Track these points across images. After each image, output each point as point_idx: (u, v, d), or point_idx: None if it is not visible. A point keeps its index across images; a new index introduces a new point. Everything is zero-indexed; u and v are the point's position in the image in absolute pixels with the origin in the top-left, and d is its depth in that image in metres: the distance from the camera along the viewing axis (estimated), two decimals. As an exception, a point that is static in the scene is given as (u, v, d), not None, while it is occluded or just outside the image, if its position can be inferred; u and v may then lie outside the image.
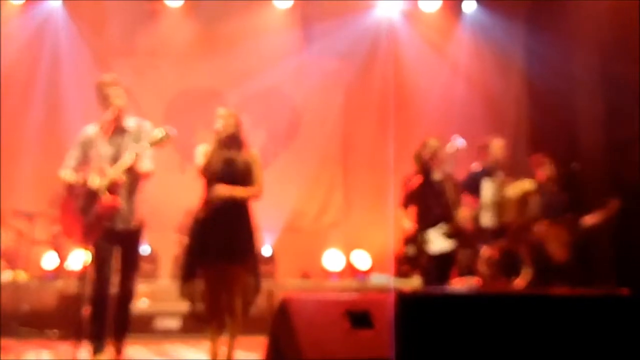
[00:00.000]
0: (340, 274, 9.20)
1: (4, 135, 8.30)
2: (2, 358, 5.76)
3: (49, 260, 8.05)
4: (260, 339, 4.55)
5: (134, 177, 5.01)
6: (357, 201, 9.64)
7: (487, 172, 6.73)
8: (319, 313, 4.13)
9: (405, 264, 7.11)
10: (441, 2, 9.67)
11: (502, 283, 6.49)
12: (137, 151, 4.90)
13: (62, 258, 7.99)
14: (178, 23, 9.32)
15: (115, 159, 4.95)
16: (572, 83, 8.37)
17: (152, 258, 8.39)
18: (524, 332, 3.04)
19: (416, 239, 5.98)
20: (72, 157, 5.09)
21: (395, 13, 9.70)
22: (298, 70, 9.49)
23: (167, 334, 7.15)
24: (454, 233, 5.99)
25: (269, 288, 7.31)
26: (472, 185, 6.69)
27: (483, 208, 6.65)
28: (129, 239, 5.10)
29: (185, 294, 5.16)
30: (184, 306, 5.35)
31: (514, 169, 6.94)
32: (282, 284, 8.27)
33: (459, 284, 6.58)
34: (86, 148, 5.06)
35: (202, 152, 5.17)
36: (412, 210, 6.16)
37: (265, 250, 8.65)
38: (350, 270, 9.26)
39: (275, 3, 9.45)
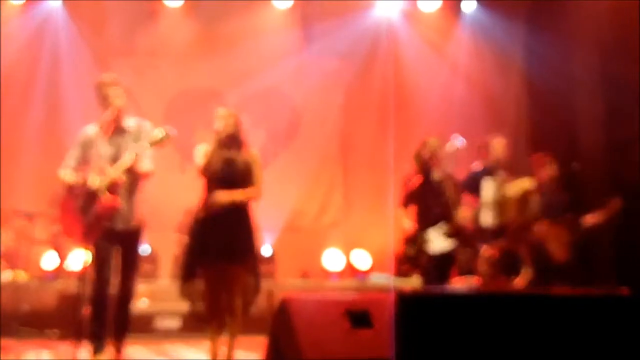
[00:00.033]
0: (340, 274, 9.20)
1: (4, 135, 8.30)
2: (2, 358, 5.76)
3: (49, 260, 8.04)
4: (260, 339, 4.56)
5: (134, 177, 5.01)
6: (357, 201, 9.64)
7: (488, 172, 6.73)
8: (319, 313, 4.14)
9: (405, 264, 7.10)
10: (441, 2, 9.67)
11: (502, 282, 6.49)
12: (137, 151, 4.90)
13: (62, 258, 7.99)
14: (178, 23, 9.32)
15: (115, 159, 4.95)
16: (572, 83, 8.37)
17: (152, 258, 8.39)
18: (524, 331, 3.04)
19: (416, 239, 5.99)
20: (72, 157, 5.09)
21: (394, 13, 9.70)
22: (298, 70, 9.49)
23: (167, 334, 7.15)
24: (454, 233, 5.99)
25: (269, 288, 7.30)
26: (472, 185, 6.69)
27: (483, 207, 6.65)
28: (129, 239, 5.10)
29: (185, 293, 5.16)
30: (184, 306, 5.35)
31: (513, 168, 6.93)
32: (282, 283, 8.27)
33: (459, 284, 6.58)
34: (86, 148, 5.06)
35: (202, 152, 5.17)
36: (412, 209, 6.16)
37: (265, 250, 8.64)
38: (350, 270, 9.26)
39: (274, 3, 9.45)
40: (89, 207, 4.86)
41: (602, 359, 3.07)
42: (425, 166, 6.06)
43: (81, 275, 4.90)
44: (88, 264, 4.92)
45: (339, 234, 9.49)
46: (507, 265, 6.56)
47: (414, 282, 7.24)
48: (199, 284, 5.11)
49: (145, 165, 5.03)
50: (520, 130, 9.05)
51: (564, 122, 8.44)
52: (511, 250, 6.60)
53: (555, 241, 6.72)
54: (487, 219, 6.70)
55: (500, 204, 6.65)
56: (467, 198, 6.62)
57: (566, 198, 6.87)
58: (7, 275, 7.47)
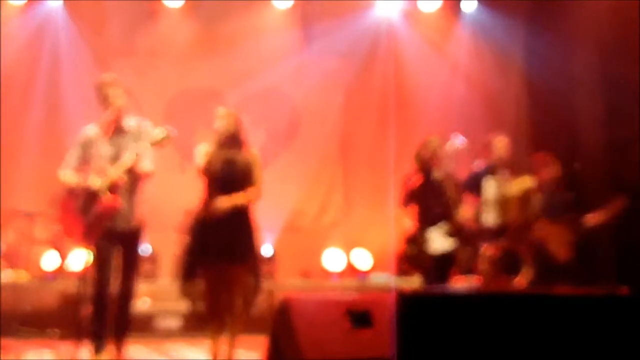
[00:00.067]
0: (341, 274, 9.20)
1: (4, 135, 8.31)
2: (3, 358, 5.76)
3: (50, 260, 8.04)
4: (260, 339, 4.56)
5: (134, 177, 5.01)
6: (358, 200, 9.64)
7: (490, 171, 6.73)
8: (320, 313, 4.14)
9: (406, 263, 7.11)
10: (441, 2, 9.67)
11: (503, 282, 6.49)
12: (137, 151, 4.90)
13: (63, 258, 7.99)
14: (178, 23, 9.32)
15: (115, 159, 4.96)
16: (572, 82, 8.37)
17: (152, 258, 8.39)
18: (524, 331, 3.04)
19: (417, 238, 5.98)
20: (72, 157, 5.10)
21: (395, 13, 9.70)
22: (298, 70, 9.49)
23: (167, 334, 7.16)
24: (455, 232, 5.99)
25: (269, 288, 7.30)
26: (474, 184, 6.69)
27: (485, 206, 6.65)
28: (130, 239, 5.11)
29: (186, 293, 5.17)
30: (184, 306, 5.37)
31: (513, 168, 6.93)
32: (283, 283, 8.27)
33: (460, 283, 6.58)
34: (86, 148, 5.07)
35: (202, 151, 5.18)
36: (413, 209, 6.16)
37: (266, 250, 8.64)
38: (350, 269, 9.26)
39: (274, 3, 9.45)
40: (89, 207, 4.86)
41: (602, 359, 3.08)
42: (425, 166, 6.05)
43: (82, 275, 4.91)
44: (89, 264, 4.93)
45: (339, 234, 9.49)
46: (508, 264, 6.56)
47: (414, 282, 7.25)
48: (200, 284, 5.11)
49: (146, 165, 5.04)
50: (520, 129, 9.05)
51: (564, 122, 8.44)
52: (512, 249, 6.60)
53: (556, 241, 6.72)
54: (488, 218, 6.70)
55: (502, 203, 6.64)
56: (468, 197, 6.62)
57: (568, 198, 6.86)
58: (8, 275, 7.47)
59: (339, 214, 9.68)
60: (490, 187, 6.66)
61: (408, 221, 6.09)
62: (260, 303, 5.57)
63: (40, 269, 7.98)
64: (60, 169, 5.11)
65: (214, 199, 5.06)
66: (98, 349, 4.96)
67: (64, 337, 6.53)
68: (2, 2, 8.71)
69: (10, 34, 8.72)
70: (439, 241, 5.95)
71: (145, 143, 4.93)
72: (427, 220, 5.98)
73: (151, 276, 8.20)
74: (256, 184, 5.18)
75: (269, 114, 9.32)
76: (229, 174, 5.11)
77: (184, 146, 6.51)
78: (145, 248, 7.77)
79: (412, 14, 9.75)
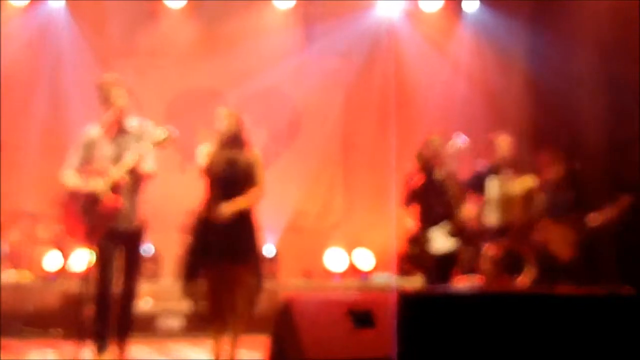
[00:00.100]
0: (343, 274, 9.20)
1: (6, 135, 8.32)
2: (6, 358, 5.77)
3: (52, 260, 8.05)
4: (262, 339, 4.56)
5: (136, 177, 5.02)
6: (359, 200, 9.63)
7: (493, 170, 6.73)
8: (322, 313, 4.14)
9: (408, 263, 7.11)
10: (442, 1, 9.67)
11: (505, 282, 6.49)
12: (139, 151, 4.91)
13: (65, 258, 8.00)
14: (179, 23, 9.32)
15: (117, 160, 4.96)
16: (574, 82, 8.36)
17: (154, 258, 8.39)
18: (527, 331, 3.04)
19: (419, 238, 5.98)
20: (74, 157, 5.10)
21: (396, 13, 9.69)
22: (299, 70, 9.49)
23: (169, 334, 7.16)
24: (457, 232, 5.98)
25: (271, 288, 7.30)
26: (477, 183, 6.69)
27: (487, 206, 6.65)
28: (132, 239, 5.12)
29: (188, 293, 5.17)
30: (186, 306, 5.37)
31: (516, 167, 6.93)
32: (285, 283, 8.28)
33: (462, 283, 6.58)
34: (88, 148, 5.07)
35: (204, 152, 5.18)
36: (414, 209, 6.16)
37: (268, 250, 8.65)
38: (352, 269, 9.26)
39: (275, 3, 9.45)
40: (91, 207, 4.86)
41: (605, 359, 3.08)
42: (427, 165, 6.05)
43: (84, 275, 4.91)
44: (91, 264, 4.94)
45: (341, 234, 9.49)
46: (510, 264, 6.56)
47: (416, 282, 7.25)
48: (202, 284, 5.12)
49: (148, 165, 5.04)
50: (522, 129, 9.03)
51: (566, 121, 8.44)
52: (514, 249, 6.60)
53: (560, 240, 6.72)
54: (491, 217, 6.70)
55: (504, 203, 6.64)
56: (472, 197, 6.62)
57: (570, 197, 6.87)
58: (11, 275, 7.48)
59: (341, 214, 9.68)
60: (493, 187, 6.66)
61: (410, 221, 6.09)
62: (262, 303, 5.56)
63: (42, 269, 7.99)
64: (62, 169, 5.12)
65: (216, 202, 5.07)
66: (100, 349, 4.97)
67: (66, 337, 6.53)
68: (3, 2, 8.72)
69: (12, 34, 8.72)
70: (440, 241, 5.95)
71: (147, 143, 4.94)
72: (429, 220, 5.98)
73: (153, 276, 8.21)
74: (258, 185, 5.19)
75: (270, 114, 9.33)
76: (231, 174, 5.12)
77: (186, 146, 6.52)
78: (147, 248, 7.78)
79: (413, 14, 9.75)
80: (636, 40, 7.22)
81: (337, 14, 9.38)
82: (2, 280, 7.15)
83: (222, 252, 5.04)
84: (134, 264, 5.18)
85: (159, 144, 4.96)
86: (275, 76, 9.36)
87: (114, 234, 4.99)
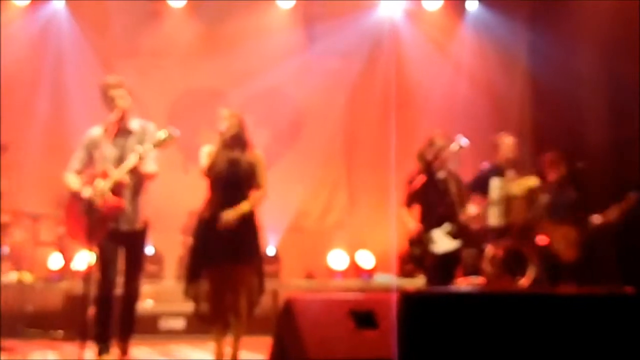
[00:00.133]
0: (345, 274, 9.20)
1: (9, 136, 8.31)
2: (8, 359, 5.77)
3: (54, 262, 8.06)
4: (265, 339, 4.56)
5: (138, 178, 5.02)
6: (361, 201, 9.63)
7: (497, 171, 6.72)
8: (324, 313, 4.13)
9: (410, 264, 7.10)
10: (443, 0, 9.66)
11: (507, 282, 6.48)
12: (140, 152, 4.91)
13: (67, 259, 8.00)
14: (181, 23, 9.32)
15: (119, 161, 4.97)
16: (576, 81, 8.36)
17: (156, 259, 8.40)
18: (528, 331, 3.03)
19: (421, 239, 5.97)
20: (76, 159, 5.11)
21: (397, 12, 9.69)
22: (301, 70, 9.49)
23: (172, 335, 7.16)
24: (459, 233, 5.97)
25: (273, 288, 7.31)
26: (481, 184, 6.69)
27: (491, 206, 6.65)
28: (134, 240, 5.12)
29: (190, 294, 5.17)
30: (188, 307, 5.36)
31: (518, 167, 6.93)
32: (287, 284, 8.27)
33: (464, 284, 6.57)
34: (91, 150, 5.08)
35: (206, 152, 5.18)
36: (416, 209, 6.15)
37: (269, 251, 8.65)
38: (354, 270, 9.26)
39: (277, 3, 9.45)
40: (93, 208, 4.86)
41: (606, 359, 3.07)
42: (428, 166, 6.04)
43: (86, 276, 4.91)
44: (93, 265, 4.93)
45: (343, 234, 9.49)
46: (512, 265, 6.55)
47: (418, 282, 7.24)
48: (204, 285, 5.11)
49: (149, 166, 5.04)
50: (524, 129, 9.04)
51: (568, 121, 8.43)
52: (516, 249, 6.59)
53: (563, 241, 6.71)
54: (494, 218, 6.70)
55: (507, 203, 6.64)
56: (475, 197, 6.61)
57: (574, 197, 6.86)
58: (12, 276, 7.49)
59: (343, 214, 9.68)
60: (496, 187, 6.65)
61: (412, 221, 6.08)
62: (265, 303, 5.56)
63: (45, 270, 7.99)
64: (65, 171, 5.12)
65: (218, 203, 5.06)
66: (102, 350, 4.97)
67: (68, 338, 6.54)
68: (6, 2, 8.73)
69: (14, 35, 8.73)
70: (442, 242, 5.94)
71: (149, 144, 4.94)
72: (430, 220, 5.97)
73: (155, 277, 8.21)
74: (261, 186, 5.18)
75: (272, 114, 9.33)
76: (233, 175, 5.11)
77: (188, 147, 6.53)
78: (147, 249, 7.78)
79: (414, 13, 9.75)
80: (637, 39, 7.21)
81: (339, 14, 9.38)
82: (4, 282, 7.14)
83: (224, 253, 5.03)
84: (136, 265, 5.18)
85: (160, 145, 4.95)
86: (277, 76, 9.36)
87: (116, 235, 4.99)
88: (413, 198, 6.10)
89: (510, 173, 6.71)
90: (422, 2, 9.65)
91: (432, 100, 9.41)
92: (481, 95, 9.33)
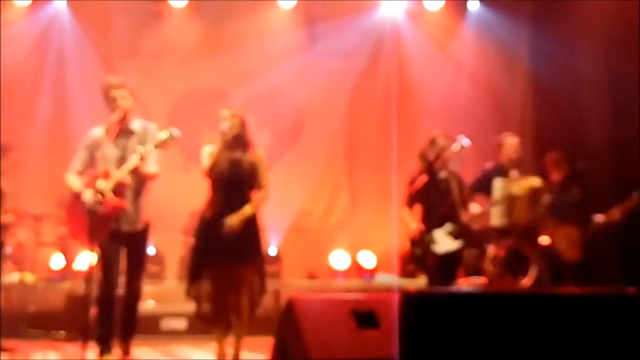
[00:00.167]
0: (346, 274, 9.20)
1: (11, 136, 8.32)
2: (10, 359, 5.78)
3: (56, 262, 8.06)
4: (266, 340, 4.56)
5: (139, 178, 5.02)
6: (363, 201, 9.63)
7: (500, 171, 6.71)
8: (325, 313, 4.13)
9: (411, 264, 7.10)
10: (444, 0, 9.66)
11: (508, 283, 6.48)
12: (142, 153, 4.91)
13: (69, 259, 8.01)
14: (182, 23, 9.33)
15: (121, 161, 4.97)
16: (578, 81, 8.35)
17: (158, 259, 8.41)
18: (530, 331, 3.03)
19: (422, 239, 5.96)
20: (78, 159, 5.11)
21: (399, 12, 9.69)
22: (302, 70, 9.50)
23: (173, 335, 7.16)
24: (460, 233, 5.97)
25: (275, 288, 7.31)
26: (484, 184, 6.69)
27: (494, 207, 6.65)
28: (135, 240, 5.12)
29: (192, 294, 5.17)
30: (190, 307, 5.36)
31: (522, 168, 6.93)
32: (288, 284, 8.28)
33: (465, 284, 6.57)
34: (92, 150, 5.08)
35: (207, 153, 5.18)
36: (417, 209, 6.14)
37: (271, 251, 8.66)
38: (356, 270, 9.26)
39: (279, 3, 9.45)
40: (95, 209, 4.86)
41: (608, 359, 3.07)
42: (430, 165, 6.03)
43: (88, 277, 4.91)
44: (94, 265, 4.94)
45: (344, 234, 9.49)
46: (514, 265, 6.55)
47: (419, 283, 7.24)
48: (205, 285, 5.11)
49: (151, 167, 5.04)
50: (526, 128, 9.04)
51: (570, 121, 8.43)
52: (518, 249, 6.59)
53: (565, 241, 6.71)
54: (497, 218, 6.70)
55: (509, 203, 6.63)
56: (479, 198, 6.61)
57: (577, 197, 6.86)
58: (14, 277, 7.50)
59: (345, 214, 9.68)
60: (499, 188, 6.65)
61: (413, 222, 6.07)
62: (266, 304, 5.56)
63: (47, 271, 8.00)
64: (66, 171, 5.13)
65: (220, 203, 5.06)
66: (104, 351, 4.98)
67: (70, 338, 6.55)
68: (7, 2, 8.73)
69: (16, 35, 8.75)
70: (444, 242, 5.93)
71: (150, 145, 4.94)
72: (432, 220, 5.96)
73: (157, 277, 8.22)
74: (263, 186, 5.18)
75: (273, 114, 9.33)
76: (235, 175, 5.12)
77: (190, 147, 6.53)
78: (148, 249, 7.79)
79: (415, 13, 9.75)
80: (638, 39, 7.21)
81: (340, 14, 9.39)
82: (6, 282, 7.15)
83: (225, 253, 5.03)
84: (137, 265, 5.18)
85: (162, 146, 4.96)
86: (278, 76, 9.37)
87: (117, 235, 4.99)
88: (414, 198, 6.09)
89: (513, 173, 6.71)
90: (424, 2, 9.66)
91: (433, 100, 9.41)
92: (482, 95, 9.33)
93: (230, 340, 5.15)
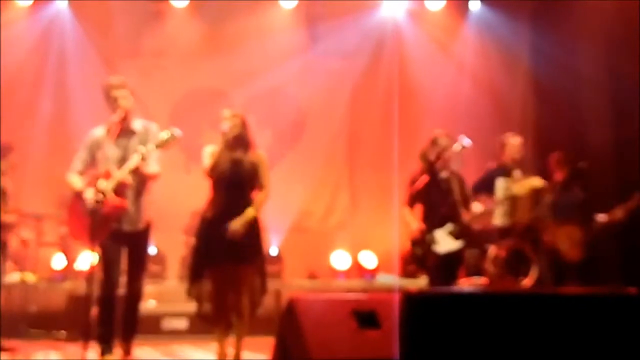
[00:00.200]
0: (347, 274, 9.20)
1: (12, 136, 8.32)
2: (11, 359, 5.78)
3: (57, 262, 8.07)
4: (267, 340, 4.56)
5: (140, 178, 5.02)
6: (364, 201, 9.63)
7: (503, 170, 6.71)
8: (326, 313, 4.13)
9: (412, 264, 7.10)
10: (446, 0, 9.66)
11: (509, 283, 6.47)
12: (143, 153, 4.91)
13: (70, 259, 8.01)
14: (183, 23, 9.34)
15: (122, 161, 4.97)
16: (579, 81, 8.35)
17: (159, 259, 8.41)
18: (531, 331, 3.03)
19: (423, 239, 5.96)
20: (79, 159, 5.11)
21: (400, 12, 9.69)
22: (303, 70, 9.50)
23: (174, 335, 7.16)
24: (461, 233, 5.97)
25: (276, 288, 7.31)
26: (487, 184, 6.69)
27: (496, 207, 6.65)
28: (136, 240, 5.12)
29: (193, 294, 5.17)
30: (191, 307, 5.36)
31: (525, 168, 6.93)
32: (289, 284, 8.28)
33: (466, 284, 6.57)
34: (93, 150, 5.08)
35: (208, 153, 5.18)
36: (418, 209, 6.14)
37: (272, 251, 8.66)
38: (357, 270, 9.26)
39: (280, 3, 9.46)
40: (96, 209, 4.86)
41: (608, 359, 3.07)
42: (431, 165, 6.03)
43: (89, 277, 4.91)
44: (96, 265, 4.94)
45: (345, 235, 9.49)
46: (515, 265, 6.54)
47: (420, 283, 7.23)
48: (206, 285, 5.12)
49: (152, 167, 5.05)
50: (527, 128, 9.04)
51: (571, 121, 8.43)
52: (519, 249, 6.59)
53: (567, 240, 6.71)
54: (499, 218, 6.70)
55: (512, 203, 6.63)
56: (482, 198, 6.61)
57: (580, 197, 6.86)
58: (15, 277, 7.50)
59: (346, 214, 9.68)
60: (502, 188, 6.65)
61: (414, 222, 6.07)
62: (267, 304, 5.56)
63: (48, 271, 8.01)
64: (67, 171, 5.13)
65: (221, 205, 5.07)
66: (105, 351, 4.98)
67: (71, 338, 6.55)
68: (8, 2, 8.74)
69: (17, 35, 8.75)
70: (445, 242, 5.93)
71: (151, 145, 4.94)
72: (433, 220, 5.96)
73: (158, 277, 8.22)
74: (264, 187, 5.18)
75: (274, 114, 9.34)
76: (236, 175, 5.12)
77: (191, 147, 6.53)
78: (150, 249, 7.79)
79: (417, 13, 9.75)
80: (638, 39, 7.21)
81: (342, 13, 9.39)
82: (7, 282, 7.15)
83: (226, 253, 5.03)
84: (139, 265, 5.18)
85: (163, 146, 4.96)
86: (279, 76, 9.37)
87: (118, 235, 4.99)
88: (415, 198, 6.09)
89: (516, 173, 6.71)
90: (425, 2, 9.66)
91: (434, 100, 9.41)
92: (484, 95, 9.33)
93: (231, 340, 5.15)
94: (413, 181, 6.10)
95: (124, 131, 5.06)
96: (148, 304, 7.27)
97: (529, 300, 3.18)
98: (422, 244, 5.95)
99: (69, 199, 5.14)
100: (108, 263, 4.99)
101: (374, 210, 9.39)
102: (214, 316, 5.15)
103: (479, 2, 9.70)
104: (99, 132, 5.10)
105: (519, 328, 3.03)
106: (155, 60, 9.34)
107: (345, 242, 9.38)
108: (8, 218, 6.56)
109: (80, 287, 6.89)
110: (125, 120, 5.05)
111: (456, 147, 5.96)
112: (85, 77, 8.61)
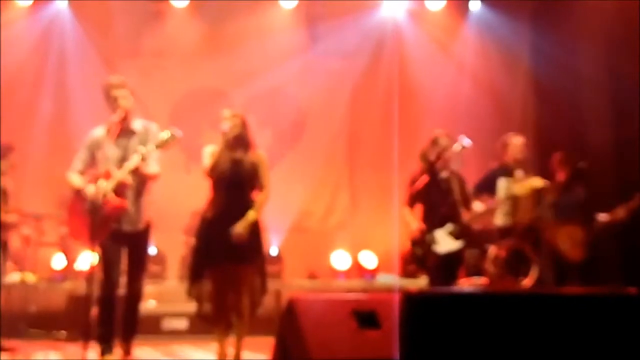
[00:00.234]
0: (347, 274, 9.20)
1: (12, 136, 8.32)
2: (11, 359, 5.78)
3: (57, 262, 8.07)
4: (267, 340, 4.55)
5: (140, 178, 5.02)
6: (364, 201, 9.63)
7: (505, 170, 6.71)
8: (326, 313, 4.13)
9: (412, 264, 7.09)
10: (446, 0, 9.66)
11: (509, 283, 6.47)
12: (143, 153, 4.91)
13: (70, 259, 8.01)
14: (183, 23, 9.34)
15: (122, 161, 4.97)
16: (579, 81, 8.35)
17: (159, 259, 8.41)
18: (531, 331, 3.03)
19: (423, 239, 5.96)
20: (79, 159, 5.11)
21: (400, 12, 9.70)
22: (303, 70, 9.50)
23: (174, 335, 7.16)
24: (461, 233, 5.96)
25: (276, 288, 7.31)
26: (488, 184, 6.69)
27: (497, 207, 6.65)
28: (136, 240, 5.12)
29: (193, 294, 5.17)
30: (191, 307, 5.36)
31: (527, 168, 6.93)
32: (289, 284, 8.28)
33: (466, 284, 6.57)
34: (93, 150, 5.08)
35: (209, 153, 5.18)
36: (418, 209, 6.14)
37: (272, 251, 8.66)
38: (357, 270, 9.26)
39: (280, 3, 9.46)
40: (96, 209, 4.86)
41: (609, 359, 3.07)
42: (431, 165, 6.03)
43: (89, 277, 4.91)
44: (96, 265, 4.94)
45: (345, 235, 9.49)
46: (515, 265, 6.54)
47: (421, 283, 7.23)
48: (207, 285, 5.11)
49: (152, 167, 5.04)
50: (527, 128, 9.03)
51: (571, 121, 8.43)
52: (519, 249, 6.59)
53: (569, 240, 6.71)
54: (500, 218, 6.70)
55: (513, 203, 6.63)
56: (483, 198, 6.61)
57: (581, 197, 6.86)
58: (15, 277, 7.50)
59: (346, 214, 9.68)
60: (503, 188, 6.65)
61: (414, 222, 6.07)
62: (267, 304, 5.56)
63: (48, 271, 8.01)
64: (67, 171, 5.13)
65: (221, 205, 5.07)
66: (105, 351, 4.98)
67: (71, 338, 6.55)
68: (8, 2, 8.74)
69: (17, 35, 8.76)
70: (445, 242, 5.93)
71: (151, 145, 4.94)
72: (433, 220, 5.95)
73: (158, 277, 8.22)
74: (264, 187, 5.18)
75: (274, 114, 9.34)
76: (236, 175, 5.11)
77: (191, 147, 6.53)
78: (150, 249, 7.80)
79: (417, 13, 9.75)
80: (638, 39, 7.21)
81: (342, 14, 9.39)
82: (7, 282, 7.15)
83: (226, 253, 5.03)
84: (139, 265, 5.18)
85: (163, 146, 4.96)
86: (279, 76, 9.38)
87: (118, 235, 4.99)
88: (415, 198, 6.09)
89: (518, 173, 6.71)
90: (425, 2, 9.66)
91: (434, 100, 9.41)
92: (484, 95, 9.33)
93: (231, 340, 5.15)
94: (413, 181, 6.09)
95: (124, 131, 5.06)
96: (148, 304, 7.27)
97: (529, 301, 3.18)
98: (422, 244, 5.95)
99: (69, 199, 5.15)
100: (108, 263, 4.99)
101: (374, 210, 9.38)
102: (214, 316, 5.14)
103: (479, 2, 9.70)
104: (99, 132, 5.10)
105: (519, 328, 3.03)
106: (155, 60, 9.34)
107: (345, 242, 9.38)
108: (8, 218, 6.56)
109: (80, 287, 6.89)
110: (125, 120, 5.05)
111: (456, 147, 5.95)
112: (85, 77, 8.62)
